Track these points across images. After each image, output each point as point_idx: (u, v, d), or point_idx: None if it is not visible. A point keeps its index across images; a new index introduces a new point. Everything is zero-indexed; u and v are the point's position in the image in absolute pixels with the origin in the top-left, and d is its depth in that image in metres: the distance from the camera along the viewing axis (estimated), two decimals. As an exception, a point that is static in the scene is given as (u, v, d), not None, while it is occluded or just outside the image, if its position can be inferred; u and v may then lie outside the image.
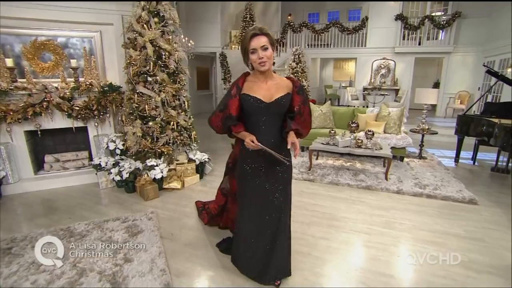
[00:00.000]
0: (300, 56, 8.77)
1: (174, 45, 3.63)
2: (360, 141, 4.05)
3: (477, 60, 8.10)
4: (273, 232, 1.85)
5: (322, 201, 3.31)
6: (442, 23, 8.09)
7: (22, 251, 2.26)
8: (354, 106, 7.32)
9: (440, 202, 3.32)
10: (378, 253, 2.33)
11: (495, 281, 2.04)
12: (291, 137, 1.70)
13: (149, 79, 3.46)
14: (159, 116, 3.55)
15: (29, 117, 3.34)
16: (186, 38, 6.24)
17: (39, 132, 3.51)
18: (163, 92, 3.53)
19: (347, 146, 4.07)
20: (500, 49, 7.00)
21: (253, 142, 1.63)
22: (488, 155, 5.10)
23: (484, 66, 4.45)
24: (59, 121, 3.57)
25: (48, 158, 3.75)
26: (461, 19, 8.05)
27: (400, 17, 8.39)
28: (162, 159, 3.58)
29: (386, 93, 8.17)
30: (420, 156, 4.93)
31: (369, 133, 4.06)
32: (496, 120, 3.79)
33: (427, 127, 4.78)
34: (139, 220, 2.74)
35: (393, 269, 2.15)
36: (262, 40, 1.60)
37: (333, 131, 4.20)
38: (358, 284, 1.98)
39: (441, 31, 8.30)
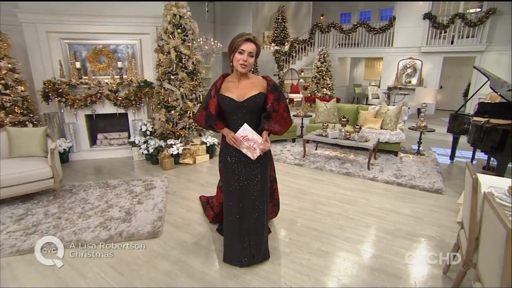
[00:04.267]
0: (325, 56, 9.20)
1: (193, 50, 4.60)
2: (348, 133, 4.57)
3: (513, 60, 7.68)
4: (254, 219, 2.03)
5: (300, 180, 3.96)
6: (474, 21, 7.82)
7: (78, 191, 3.42)
8: (376, 105, 7.56)
9: (407, 189, 3.73)
10: (321, 217, 2.97)
11: (404, 243, 2.54)
12: (263, 136, 1.91)
13: (172, 77, 4.47)
14: (179, 106, 4.54)
15: (88, 104, 4.58)
16: (215, 41, 7.22)
17: (94, 116, 4.77)
18: (182, 87, 4.51)
19: (336, 138, 4.62)
20: (533, 48, 6.66)
21: (234, 138, 1.87)
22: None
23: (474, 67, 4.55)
24: (107, 108, 4.78)
25: (100, 136, 5.02)
26: (496, 16, 7.68)
27: (428, 16, 8.29)
28: (180, 140, 4.58)
29: (406, 93, 8.19)
30: (418, 152, 5.20)
31: (357, 127, 4.55)
32: (478, 119, 3.98)
33: (423, 124, 5.04)
34: (155, 181, 3.75)
35: (325, 228, 2.77)
36: (252, 47, 1.79)
37: (325, 124, 4.77)
38: (292, 234, 2.67)
39: (472, 29, 8.00)
